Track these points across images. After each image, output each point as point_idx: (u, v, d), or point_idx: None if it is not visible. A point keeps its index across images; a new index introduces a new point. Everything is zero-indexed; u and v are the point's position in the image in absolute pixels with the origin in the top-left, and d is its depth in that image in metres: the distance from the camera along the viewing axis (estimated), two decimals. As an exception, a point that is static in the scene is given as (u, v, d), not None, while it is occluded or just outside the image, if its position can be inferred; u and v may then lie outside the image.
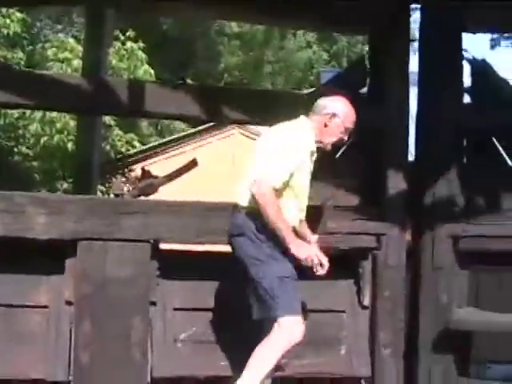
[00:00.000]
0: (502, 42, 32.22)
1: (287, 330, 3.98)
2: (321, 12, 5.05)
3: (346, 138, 4.31)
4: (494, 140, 5.14)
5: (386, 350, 4.91)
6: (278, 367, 4.22)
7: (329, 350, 4.82)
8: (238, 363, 4.57)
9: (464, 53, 5.17)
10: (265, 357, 4.00)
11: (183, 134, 16.43)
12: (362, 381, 4.94)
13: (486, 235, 4.82)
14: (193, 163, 5.93)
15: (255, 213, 4.05)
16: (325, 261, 4.03)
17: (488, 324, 4.94)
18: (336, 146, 4.39)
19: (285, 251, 4.03)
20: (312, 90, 5.55)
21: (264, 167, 4.02)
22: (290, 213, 4.10)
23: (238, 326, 4.70)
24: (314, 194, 4.91)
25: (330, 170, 5.03)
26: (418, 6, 5.24)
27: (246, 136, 14.89)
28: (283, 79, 25.40)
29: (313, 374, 4.80)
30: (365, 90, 5.31)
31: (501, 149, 5.14)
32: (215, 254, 4.82)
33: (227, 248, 4.48)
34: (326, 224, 4.82)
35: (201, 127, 15.40)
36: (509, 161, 5.14)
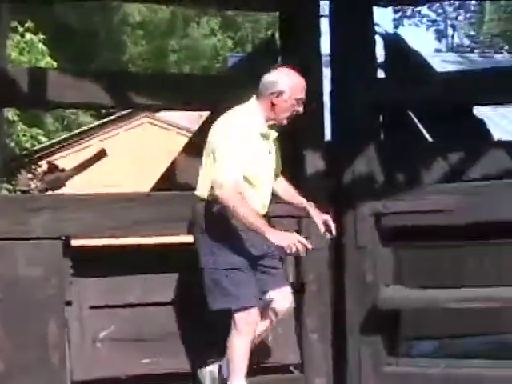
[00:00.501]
0: (405, 21, 32.93)
1: (243, 322, 4.02)
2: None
3: (300, 109, 4.15)
4: (411, 114, 5.06)
5: (314, 335, 4.82)
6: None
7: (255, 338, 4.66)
8: (162, 359, 4.44)
9: (376, 27, 5.08)
10: (237, 351, 4.06)
11: (90, 126, 16.01)
12: (291, 368, 4.85)
13: (407, 211, 4.74)
14: (101, 153, 5.71)
15: (206, 203, 4.07)
16: (306, 242, 3.89)
17: (414, 301, 4.89)
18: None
19: (237, 242, 4.02)
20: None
21: (220, 170, 3.93)
22: (253, 199, 4.03)
23: (161, 320, 4.56)
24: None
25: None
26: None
27: (156, 125, 14.69)
28: (189, 67, 25.17)
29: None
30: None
31: (418, 123, 5.07)
32: (131, 248, 4.63)
33: (142, 240, 4.41)
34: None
35: (108, 118, 15.09)
36: (426, 135, 5.06)
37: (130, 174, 12.43)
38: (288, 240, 3.84)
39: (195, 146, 5.02)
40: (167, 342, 4.60)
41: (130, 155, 13.42)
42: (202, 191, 4.14)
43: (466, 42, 34.45)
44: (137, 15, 23.66)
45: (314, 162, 4.88)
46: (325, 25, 5.00)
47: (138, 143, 13.87)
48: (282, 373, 4.78)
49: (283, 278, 4.35)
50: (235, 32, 30.25)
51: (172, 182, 4.97)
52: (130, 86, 4.77)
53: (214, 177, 3.96)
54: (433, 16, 34.61)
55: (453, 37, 34.58)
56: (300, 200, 4.40)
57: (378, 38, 5.08)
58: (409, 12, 33.52)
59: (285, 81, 4.11)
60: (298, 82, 4.14)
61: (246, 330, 4.04)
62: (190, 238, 4.54)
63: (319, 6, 5.00)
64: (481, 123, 5.04)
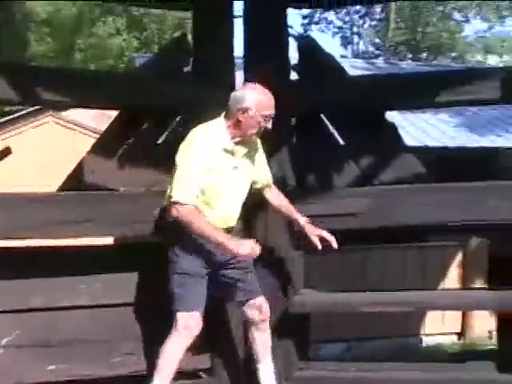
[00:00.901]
0: (313, 27, 33.25)
1: (182, 326, 4.13)
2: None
3: (268, 125, 4.22)
4: (324, 117, 5.04)
5: (223, 339, 4.75)
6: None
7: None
8: (69, 365, 4.32)
9: (290, 29, 5.05)
10: (165, 354, 4.14)
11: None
12: (201, 373, 4.79)
13: (319, 215, 4.71)
14: (6, 151, 5.51)
15: (166, 210, 4.20)
16: (258, 248, 4.08)
17: (327, 305, 4.88)
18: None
19: (194, 249, 4.16)
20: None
21: (176, 187, 4.09)
22: (212, 214, 4.16)
23: (68, 325, 4.43)
24: (137, 180, 4.73)
25: (152, 156, 4.85)
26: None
27: (60, 124, 14.37)
28: (94, 66, 24.78)
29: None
30: (189, 68, 5.06)
31: (330, 126, 5.05)
32: (37, 250, 4.48)
33: (47, 242, 4.32)
34: (153, 211, 4.59)
35: (11, 116, 14.66)
36: (338, 138, 5.05)
37: (35, 174, 12.14)
38: (246, 249, 4.02)
39: (103, 146, 4.91)
40: (74, 348, 4.47)
41: (35, 154, 13.10)
42: (166, 198, 4.22)
43: (371, 48, 35.02)
44: (41, 11, 23.18)
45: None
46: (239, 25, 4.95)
47: (42, 142, 13.55)
48: (193, 378, 4.70)
49: (256, 291, 4.40)
50: (141, 32, 29.98)
51: (79, 182, 4.82)
52: (38, 81, 4.59)
53: (171, 193, 4.10)
54: (339, 23, 35.09)
55: (358, 44, 35.14)
56: (294, 215, 4.48)
57: (291, 41, 5.05)
58: (316, 18, 33.87)
59: (251, 97, 4.16)
60: (264, 98, 4.18)
61: (183, 332, 4.12)
62: (98, 240, 4.45)
63: (233, 6, 4.93)
64: (392, 128, 5.06)
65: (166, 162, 4.81)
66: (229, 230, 4.22)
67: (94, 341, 4.55)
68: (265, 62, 4.87)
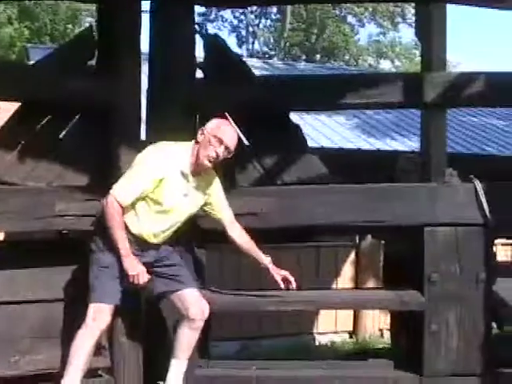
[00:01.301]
0: (208, 25, 33.19)
1: (92, 317, 4.16)
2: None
3: (220, 151, 4.27)
4: (228, 116, 5.03)
5: (124, 339, 4.70)
6: None
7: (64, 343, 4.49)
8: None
9: (197, 27, 5.03)
10: (74, 347, 4.15)
11: None
12: (100, 371, 4.73)
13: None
14: None
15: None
16: (144, 280, 4.22)
17: (231, 304, 4.90)
18: (217, 161, 4.35)
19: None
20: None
21: (120, 182, 4.23)
22: (143, 224, 4.28)
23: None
24: (37, 175, 4.64)
25: (54, 151, 4.78)
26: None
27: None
28: (-16, 57, 24.06)
29: (46, 370, 4.49)
30: (93, 62, 4.97)
31: (235, 125, 5.05)
32: None
33: None
34: (55, 206, 4.50)
35: None
36: (243, 138, 5.05)
37: None
38: (133, 271, 4.15)
39: (2, 139, 4.77)
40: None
41: None
42: None
43: (266, 48, 35.23)
44: None
45: (129, 161, 4.73)
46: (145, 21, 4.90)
47: None
48: (92, 376, 4.63)
49: (187, 282, 4.46)
50: (33, 22, 29.27)
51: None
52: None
53: (113, 186, 4.21)
54: (235, 22, 35.17)
55: (253, 43, 35.26)
56: (259, 255, 4.62)
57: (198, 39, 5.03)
58: (212, 16, 33.85)
59: (216, 123, 4.35)
60: (223, 125, 4.36)
61: (91, 324, 4.15)
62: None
63: (140, 1, 4.87)
64: (296, 129, 5.10)
65: (67, 156, 4.76)
66: (157, 245, 4.39)
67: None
68: (170, 59, 4.85)
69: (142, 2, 4.90)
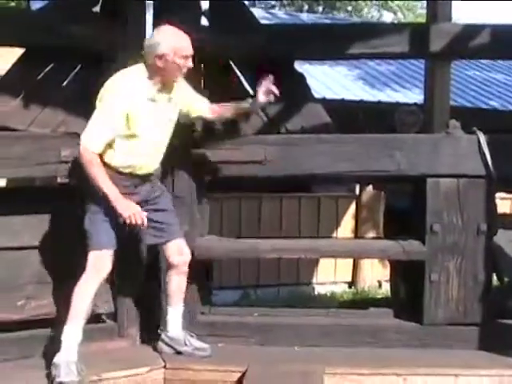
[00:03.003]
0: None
1: (92, 264, 4.14)
2: None
3: (189, 64, 4.17)
4: (233, 65, 5.03)
5: (124, 283, 4.76)
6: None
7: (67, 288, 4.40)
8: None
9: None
10: (76, 294, 4.12)
11: None
12: (104, 317, 4.78)
13: (226, 161, 4.74)
14: None
15: None
16: (145, 219, 4.15)
17: (233, 251, 4.92)
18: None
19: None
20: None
21: (87, 130, 4.10)
22: (117, 157, 4.18)
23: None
24: (43, 121, 4.63)
25: (58, 97, 4.75)
26: None
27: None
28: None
29: (50, 315, 4.53)
30: (97, 8, 4.94)
31: (240, 74, 5.05)
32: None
33: None
34: (59, 152, 4.51)
35: None
36: (246, 85, 5.04)
37: None
38: (128, 211, 4.07)
39: (7, 85, 4.76)
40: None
41: None
42: None
43: (267, -1, 34.88)
44: None
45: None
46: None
47: None
48: (95, 322, 4.68)
49: (174, 232, 4.48)
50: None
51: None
52: None
53: (82, 139, 4.10)
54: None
55: (255, -7, 34.86)
56: (240, 105, 4.53)
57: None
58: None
59: (167, 42, 4.10)
60: (179, 40, 4.14)
61: (92, 271, 4.14)
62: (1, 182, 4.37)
63: None
64: (301, 78, 5.09)
65: (71, 103, 4.75)
66: (147, 176, 4.33)
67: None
68: (174, 7, 4.81)
69: None
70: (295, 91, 5.02)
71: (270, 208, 9.45)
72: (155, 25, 4.73)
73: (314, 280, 10.02)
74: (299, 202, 9.73)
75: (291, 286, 9.66)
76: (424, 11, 5.48)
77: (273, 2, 33.25)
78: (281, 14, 16.61)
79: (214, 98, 4.70)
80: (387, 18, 33.07)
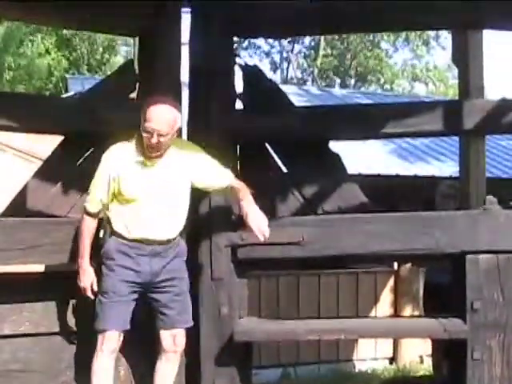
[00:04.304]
0: (242, 52, 33.42)
1: (98, 346, 4.16)
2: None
3: (153, 141, 4.10)
4: (268, 146, 5.08)
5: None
6: None
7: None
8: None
9: (236, 58, 5.10)
10: (92, 372, 4.18)
11: None
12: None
13: (263, 243, 4.72)
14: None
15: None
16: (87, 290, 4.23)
17: (273, 333, 4.89)
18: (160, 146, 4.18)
19: (116, 267, 4.18)
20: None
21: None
22: (118, 223, 4.22)
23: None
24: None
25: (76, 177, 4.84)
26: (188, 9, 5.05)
27: (18, 156, 13.91)
28: (23, 87, 24.38)
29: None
30: (134, 95, 5.06)
31: (274, 155, 5.10)
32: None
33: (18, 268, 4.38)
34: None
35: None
36: (282, 167, 5.10)
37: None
38: (82, 283, 4.24)
39: (48, 171, 4.85)
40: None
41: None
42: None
43: (299, 74, 35.36)
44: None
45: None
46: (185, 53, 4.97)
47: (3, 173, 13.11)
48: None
49: (181, 321, 4.38)
50: (70, 52, 29.68)
51: (24, 207, 4.75)
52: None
53: None
54: (267, 48, 35.40)
55: (287, 69, 35.39)
56: (238, 196, 4.42)
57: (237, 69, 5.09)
58: (245, 43, 34.05)
59: (144, 111, 4.15)
60: (149, 114, 4.11)
61: (101, 352, 4.16)
62: (40, 267, 4.42)
63: (180, 33, 4.94)
64: (336, 157, 5.13)
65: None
66: (162, 243, 4.26)
67: (36, 370, 4.48)
68: (210, 90, 4.91)
69: (182, 34, 4.97)
70: (331, 171, 5.05)
71: (308, 285, 9.41)
72: (191, 114, 4.85)
73: (355, 356, 9.89)
74: (337, 278, 9.68)
75: (331, 363, 9.54)
76: (456, 81, 5.53)
77: (305, 77, 33.74)
78: (313, 90, 16.79)
79: (250, 180, 4.75)
80: (418, 89, 33.35)
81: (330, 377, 8.88)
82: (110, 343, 4.16)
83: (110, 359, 4.18)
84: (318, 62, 33.41)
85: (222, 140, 4.89)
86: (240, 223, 4.78)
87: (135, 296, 4.25)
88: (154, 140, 4.09)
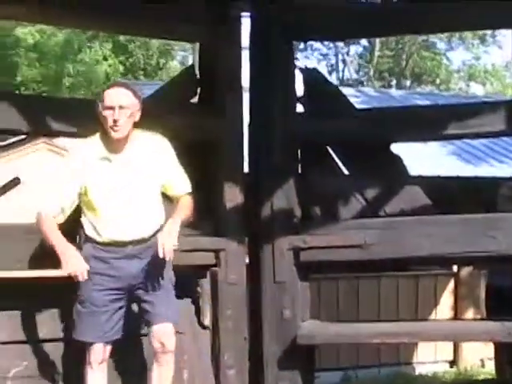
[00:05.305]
0: (298, 54, 33.44)
1: (86, 354, 3.97)
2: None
3: (116, 115, 3.83)
4: (329, 149, 5.08)
5: (231, 371, 4.76)
6: None
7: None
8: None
9: (296, 61, 5.11)
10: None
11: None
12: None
13: (326, 246, 4.74)
14: (16, 181, 5.55)
15: None
16: (79, 273, 3.76)
17: (335, 336, 4.88)
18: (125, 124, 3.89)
19: (94, 275, 3.88)
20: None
21: None
22: (88, 228, 3.98)
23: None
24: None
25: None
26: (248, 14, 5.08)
27: (53, 151, 14.17)
28: (81, 93, 24.72)
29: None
30: (195, 100, 5.10)
31: (335, 157, 5.10)
32: (42, 280, 4.45)
33: (53, 273, 4.12)
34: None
35: (2, 143, 14.45)
36: (344, 169, 5.09)
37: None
38: (71, 268, 3.74)
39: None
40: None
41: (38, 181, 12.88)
42: None
43: (355, 75, 35.25)
44: (29, 38, 23.16)
45: (233, 196, 4.83)
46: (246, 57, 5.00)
47: (39, 169, 13.33)
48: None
49: (161, 315, 4.02)
50: (127, 58, 30.01)
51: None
52: (48, 111, 4.58)
53: None
54: (324, 50, 35.35)
55: (343, 71, 35.30)
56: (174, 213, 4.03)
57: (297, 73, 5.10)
58: (301, 45, 34.02)
59: (101, 97, 3.96)
60: (108, 91, 3.95)
61: (88, 364, 3.97)
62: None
63: (241, 37, 4.96)
64: (397, 159, 5.11)
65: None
66: (136, 243, 3.96)
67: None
68: (271, 94, 4.93)
69: (242, 39, 4.99)
70: (393, 174, 5.03)
71: (367, 288, 9.37)
72: (252, 118, 4.87)
73: (415, 359, 9.81)
74: (397, 281, 9.62)
75: (392, 366, 9.48)
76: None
77: (361, 79, 33.62)
78: (370, 92, 16.69)
79: (311, 183, 4.75)
80: (475, 89, 32.96)
81: (390, 380, 8.82)
82: (95, 355, 3.96)
83: (98, 371, 3.98)
84: (374, 62, 33.22)
85: (283, 143, 4.90)
86: (302, 227, 4.80)
87: (119, 304, 3.99)
88: (116, 115, 3.84)
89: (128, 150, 3.99)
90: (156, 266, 3.97)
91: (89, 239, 3.98)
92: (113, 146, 3.95)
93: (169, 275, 4.08)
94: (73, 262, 3.75)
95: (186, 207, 4.06)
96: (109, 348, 4.00)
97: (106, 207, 3.93)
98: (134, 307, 4.16)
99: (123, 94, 3.93)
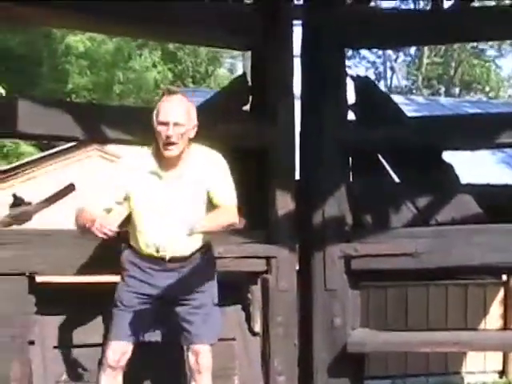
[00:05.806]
0: (346, 62, 33.34)
1: (104, 355, 3.97)
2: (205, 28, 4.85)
3: (170, 132, 3.71)
4: (380, 157, 5.09)
5: (281, 377, 4.78)
6: None
7: (221, 381, 4.45)
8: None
9: (347, 69, 5.12)
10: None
11: (35, 157, 15.43)
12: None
13: (377, 254, 4.74)
14: (70, 187, 5.63)
15: None
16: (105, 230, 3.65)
17: (385, 345, 4.88)
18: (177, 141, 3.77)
19: (130, 278, 3.95)
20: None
21: None
22: (132, 238, 3.99)
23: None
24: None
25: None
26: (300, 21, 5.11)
27: (105, 158, 14.31)
28: (131, 100, 24.97)
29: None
30: (247, 107, 5.14)
31: (386, 165, 5.10)
32: (95, 285, 4.52)
33: (108, 278, 4.28)
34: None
35: (56, 149, 14.65)
36: (395, 177, 5.09)
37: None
38: (96, 227, 3.64)
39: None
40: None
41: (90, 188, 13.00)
42: None
43: (404, 83, 35.08)
44: (80, 46, 23.45)
45: (285, 203, 4.86)
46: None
47: (91, 175, 13.47)
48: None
49: (200, 336, 3.99)
50: (175, 65, 30.23)
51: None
52: (102, 119, 4.65)
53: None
54: (372, 58, 35.26)
55: (391, 78, 35.14)
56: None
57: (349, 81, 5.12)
58: (349, 53, 33.98)
59: (156, 110, 3.84)
60: (162, 105, 3.82)
61: (105, 364, 3.93)
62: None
63: (293, 46, 4.99)
64: (449, 168, 5.09)
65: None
66: (176, 261, 3.89)
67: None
68: (322, 102, 4.95)
69: (294, 46, 5.02)
70: (444, 182, 5.01)
71: (416, 296, 9.30)
72: (303, 126, 4.89)
73: (463, 369, 9.71)
74: (446, 289, 9.54)
75: (440, 375, 9.39)
76: None
77: (410, 86, 33.39)
78: (420, 99, 16.60)
79: (362, 191, 4.75)
80: (526, 96, 32.57)
81: (439, 389, 8.76)
82: (112, 355, 3.90)
83: (112, 375, 3.92)
84: (422, 70, 33.02)
85: (335, 151, 4.92)
86: (353, 234, 4.81)
87: (147, 307, 3.94)
88: (170, 131, 3.72)
89: (180, 167, 3.87)
90: (197, 283, 3.95)
91: (131, 246, 4.00)
92: (165, 161, 3.85)
93: (211, 292, 4.02)
94: (99, 221, 3.65)
95: (225, 212, 3.87)
96: (127, 354, 3.94)
97: (149, 222, 3.85)
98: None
99: (179, 109, 3.79)
